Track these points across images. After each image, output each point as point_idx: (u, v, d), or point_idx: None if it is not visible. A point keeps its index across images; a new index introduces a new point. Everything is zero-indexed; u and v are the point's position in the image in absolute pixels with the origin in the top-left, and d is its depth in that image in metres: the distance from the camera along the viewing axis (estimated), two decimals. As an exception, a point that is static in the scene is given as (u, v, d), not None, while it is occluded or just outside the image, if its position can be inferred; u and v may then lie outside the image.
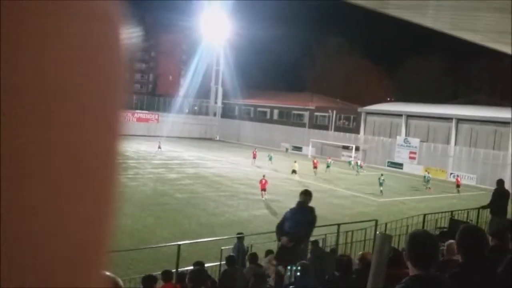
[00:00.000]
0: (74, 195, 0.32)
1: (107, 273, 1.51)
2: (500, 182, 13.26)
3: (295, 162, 33.73)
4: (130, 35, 0.35)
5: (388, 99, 69.16)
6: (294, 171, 32.55)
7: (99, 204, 0.34)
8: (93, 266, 0.34)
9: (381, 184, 29.58)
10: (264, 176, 25.51)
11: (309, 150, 51.53)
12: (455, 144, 43.50)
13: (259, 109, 67.36)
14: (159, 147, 43.05)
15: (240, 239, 12.00)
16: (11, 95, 0.28)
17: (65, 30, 0.30)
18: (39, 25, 0.29)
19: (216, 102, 70.43)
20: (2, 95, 0.28)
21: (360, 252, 7.41)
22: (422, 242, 2.97)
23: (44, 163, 0.29)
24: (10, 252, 0.28)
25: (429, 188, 32.78)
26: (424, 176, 34.79)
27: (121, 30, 0.34)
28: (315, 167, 36.44)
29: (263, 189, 24.56)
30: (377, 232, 12.44)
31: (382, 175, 31.06)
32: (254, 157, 39.79)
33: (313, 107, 59.63)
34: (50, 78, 0.29)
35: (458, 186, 33.26)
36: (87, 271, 0.34)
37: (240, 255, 10.58)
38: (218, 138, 65.20)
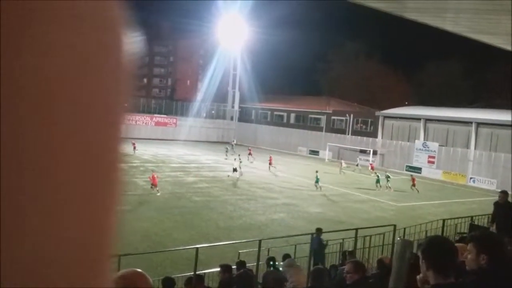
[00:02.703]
0: (76, 196, 0.32)
1: (139, 270, 1.54)
2: (505, 194, 11.32)
3: (235, 159, 32.65)
4: (134, 38, 0.36)
5: (406, 102, 68.45)
6: (235, 170, 31.30)
7: (101, 206, 0.34)
8: (96, 267, 0.34)
9: (317, 181, 29.57)
10: (153, 171, 27.06)
11: (326, 154, 51.33)
12: (475, 148, 42.85)
13: (276, 113, 67.38)
14: (135, 148, 40.61)
15: (319, 232, 12.98)
16: (12, 95, 0.28)
17: (66, 31, 0.30)
18: (40, 25, 0.29)
19: (233, 106, 70.65)
20: (2, 95, 0.28)
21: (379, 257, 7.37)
22: (446, 248, 2.93)
23: (45, 164, 0.30)
24: (10, 252, 0.29)
25: (389, 187, 31.72)
26: (377, 176, 33.24)
27: (123, 32, 0.34)
28: (270, 163, 37.42)
29: (154, 184, 24.82)
30: (397, 238, 12.35)
31: (317, 171, 30.88)
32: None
33: (330, 111, 59.41)
34: (50, 79, 0.30)
35: (413, 185, 32.51)
36: (90, 272, 0.34)
37: (321, 249, 12.36)
38: (235, 142, 65.43)
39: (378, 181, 32.27)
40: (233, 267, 9.67)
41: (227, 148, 45.70)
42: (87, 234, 0.33)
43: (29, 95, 0.29)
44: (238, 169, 31.40)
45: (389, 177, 32.59)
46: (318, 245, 12.39)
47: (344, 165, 41.47)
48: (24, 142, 0.29)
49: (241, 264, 9.59)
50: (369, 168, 41.47)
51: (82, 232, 0.33)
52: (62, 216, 0.31)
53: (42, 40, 0.29)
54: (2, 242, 0.28)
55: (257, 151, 55.74)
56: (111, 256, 0.36)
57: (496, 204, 11.44)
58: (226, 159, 31.76)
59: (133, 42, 0.35)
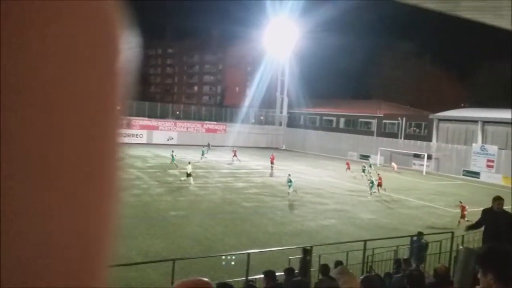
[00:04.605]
0: (73, 197, 0.32)
1: (204, 278, 1.52)
2: (501, 201, 9.56)
3: (189, 163, 30.45)
4: (132, 37, 0.36)
5: (462, 105, 65.86)
6: (189, 175, 29.29)
7: (99, 206, 0.34)
8: (94, 268, 0.34)
9: (289, 186, 27.16)
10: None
11: (377, 159, 50.25)
12: (538, 151, 40.54)
13: (325, 117, 66.74)
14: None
15: (420, 235, 13.47)
16: (11, 96, 0.28)
17: (65, 31, 0.30)
18: (40, 25, 0.29)
19: (281, 112, 70.72)
20: (2, 96, 0.28)
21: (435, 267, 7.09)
22: (508, 255, 2.77)
23: (44, 164, 0.30)
24: (10, 252, 0.29)
25: (373, 193, 29.28)
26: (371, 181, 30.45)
27: (121, 32, 0.34)
28: (271, 162, 38.17)
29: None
30: (459, 246, 11.84)
31: (289, 175, 28.37)
32: (348, 168, 40.61)
33: (381, 115, 58.13)
34: (48, 80, 0.30)
35: (379, 185, 30.06)
36: (88, 272, 0.34)
37: (420, 251, 12.82)
38: (284, 147, 65.35)
39: (372, 185, 29.73)
40: (281, 273, 9.56)
41: (203, 151, 44.30)
42: (84, 236, 0.33)
43: (27, 96, 0.29)
44: (191, 173, 29.74)
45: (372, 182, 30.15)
46: (417, 248, 13.11)
47: (396, 168, 40.32)
48: (21, 143, 0.29)
49: (290, 270, 9.50)
50: (346, 166, 40.74)
51: (78, 234, 0.33)
52: (58, 218, 0.31)
53: (42, 40, 0.29)
54: (1, 243, 0.29)
55: (306, 156, 55.44)
56: (108, 258, 0.36)
57: (487, 212, 9.74)
58: (197, 162, 29.56)
59: (131, 42, 0.35)
